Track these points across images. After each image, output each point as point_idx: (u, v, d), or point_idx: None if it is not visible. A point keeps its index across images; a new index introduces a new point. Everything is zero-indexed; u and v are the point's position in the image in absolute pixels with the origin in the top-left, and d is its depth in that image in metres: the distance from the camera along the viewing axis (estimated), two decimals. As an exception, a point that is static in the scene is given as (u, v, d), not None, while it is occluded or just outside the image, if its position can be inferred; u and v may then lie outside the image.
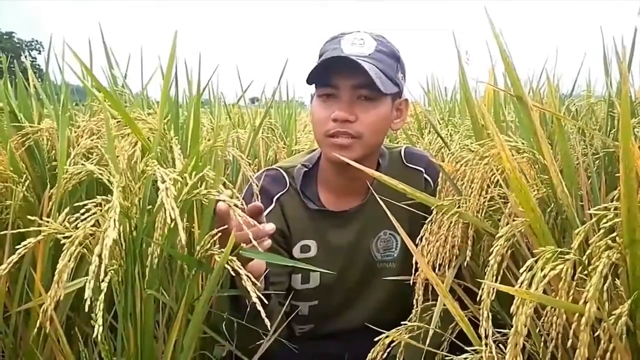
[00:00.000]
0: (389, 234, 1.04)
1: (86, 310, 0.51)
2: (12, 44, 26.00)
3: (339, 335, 1.07)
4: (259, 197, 0.95)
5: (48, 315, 0.58)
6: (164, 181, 0.58)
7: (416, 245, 0.84)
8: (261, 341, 0.77)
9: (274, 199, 1.00)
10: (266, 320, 0.61)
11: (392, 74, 0.94)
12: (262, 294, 0.65)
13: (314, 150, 1.09)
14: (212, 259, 0.71)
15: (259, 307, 0.61)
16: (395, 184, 0.79)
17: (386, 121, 0.96)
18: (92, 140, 0.97)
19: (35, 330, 0.77)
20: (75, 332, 0.86)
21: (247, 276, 0.63)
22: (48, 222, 0.63)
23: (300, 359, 0.97)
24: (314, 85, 0.97)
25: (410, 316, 0.83)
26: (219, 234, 0.70)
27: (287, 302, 0.92)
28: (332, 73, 0.91)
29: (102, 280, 0.53)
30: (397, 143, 1.52)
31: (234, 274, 0.64)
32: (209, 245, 0.70)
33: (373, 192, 0.86)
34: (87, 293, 0.51)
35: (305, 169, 1.03)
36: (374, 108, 0.92)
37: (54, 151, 1.05)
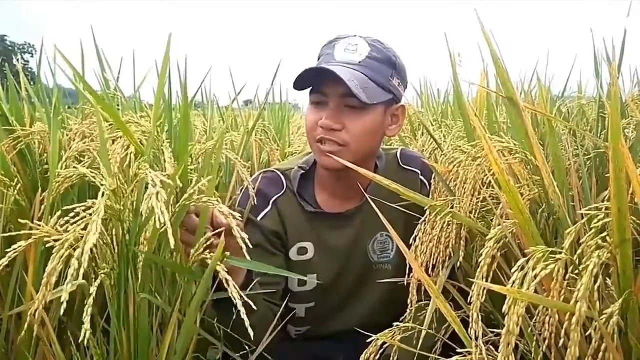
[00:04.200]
0: (386, 235, 1.04)
1: (74, 312, 0.50)
2: (5, 47, 25.81)
3: (336, 337, 1.07)
4: (256, 199, 0.95)
5: (39, 318, 0.57)
6: (154, 185, 0.57)
7: (411, 246, 0.85)
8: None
9: (271, 202, 1.00)
10: (250, 330, 0.61)
11: (385, 81, 0.93)
12: (249, 298, 0.65)
13: (311, 152, 1.09)
14: (202, 265, 0.70)
15: (243, 316, 0.61)
16: (389, 183, 0.79)
17: (376, 129, 0.95)
18: (84, 143, 0.97)
19: (27, 333, 0.77)
20: (67, 337, 0.86)
21: (232, 283, 0.63)
22: (39, 225, 0.62)
23: (296, 360, 0.97)
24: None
25: (404, 317, 0.83)
26: (212, 240, 0.70)
27: (284, 304, 0.92)
28: (323, 81, 0.91)
29: (92, 284, 0.53)
30: (391, 145, 1.52)
31: (225, 278, 0.64)
32: (202, 250, 0.69)
33: (367, 196, 0.86)
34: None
35: (302, 172, 1.03)
36: (362, 117, 0.92)
37: (45, 154, 1.04)
